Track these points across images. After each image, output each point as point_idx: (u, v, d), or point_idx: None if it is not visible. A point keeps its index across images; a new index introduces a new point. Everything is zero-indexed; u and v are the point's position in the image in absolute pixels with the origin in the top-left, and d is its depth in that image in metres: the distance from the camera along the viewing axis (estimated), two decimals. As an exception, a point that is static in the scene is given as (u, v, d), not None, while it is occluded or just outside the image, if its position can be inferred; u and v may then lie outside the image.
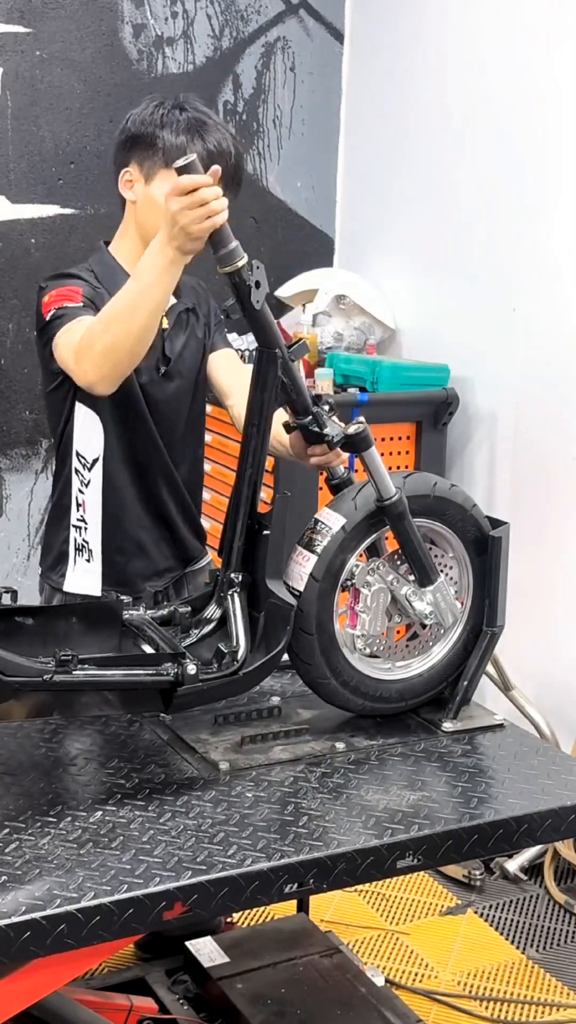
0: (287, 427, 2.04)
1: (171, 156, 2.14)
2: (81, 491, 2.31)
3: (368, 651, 2.01)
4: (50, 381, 2.28)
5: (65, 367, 2.13)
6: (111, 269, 2.28)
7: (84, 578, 2.33)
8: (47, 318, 2.17)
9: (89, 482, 2.30)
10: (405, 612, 2.02)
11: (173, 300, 2.31)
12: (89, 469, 2.29)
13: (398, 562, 2.01)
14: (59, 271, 2.30)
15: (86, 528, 2.32)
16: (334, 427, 1.97)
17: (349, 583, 1.97)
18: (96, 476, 2.29)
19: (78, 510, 2.32)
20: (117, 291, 2.03)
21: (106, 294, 2.16)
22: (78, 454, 2.29)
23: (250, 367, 2.03)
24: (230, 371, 2.41)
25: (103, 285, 2.23)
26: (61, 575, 2.36)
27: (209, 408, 3.60)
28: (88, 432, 2.26)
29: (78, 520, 2.33)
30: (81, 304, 2.16)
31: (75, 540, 2.34)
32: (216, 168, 1.88)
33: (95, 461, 2.28)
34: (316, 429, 1.98)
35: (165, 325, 2.29)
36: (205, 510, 3.76)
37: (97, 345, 2.01)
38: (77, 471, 2.30)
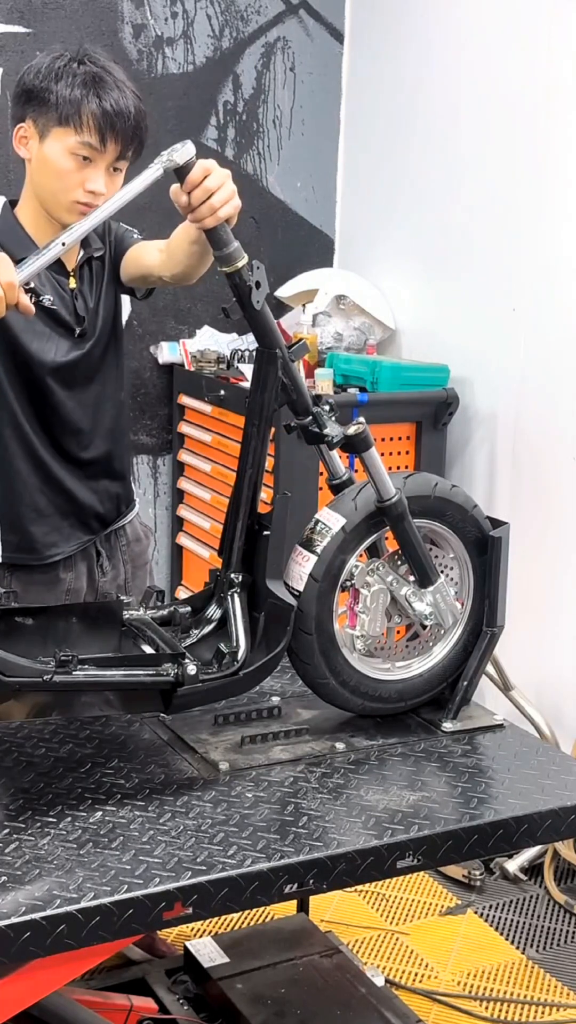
0: (288, 428, 2.03)
1: (64, 112, 2.02)
2: None
3: (368, 651, 2.01)
4: None
5: None
6: (11, 228, 2.14)
7: None
8: None
9: None
10: (405, 613, 2.02)
11: (81, 253, 2.18)
12: None
13: (398, 563, 2.01)
14: None
15: None
16: (334, 427, 1.97)
17: (349, 583, 1.97)
18: None
19: None
20: (17, 249, 1.86)
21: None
22: None
23: (163, 241, 2.04)
24: (146, 250, 2.20)
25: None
26: None
27: (210, 409, 3.62)
28: None
29: None
30: None
31: None
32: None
33: None
34: (316, 429, 1.98)
35: (72, 285, 2.18)
36: (204, 509, 3.79)
37: None
38: None
